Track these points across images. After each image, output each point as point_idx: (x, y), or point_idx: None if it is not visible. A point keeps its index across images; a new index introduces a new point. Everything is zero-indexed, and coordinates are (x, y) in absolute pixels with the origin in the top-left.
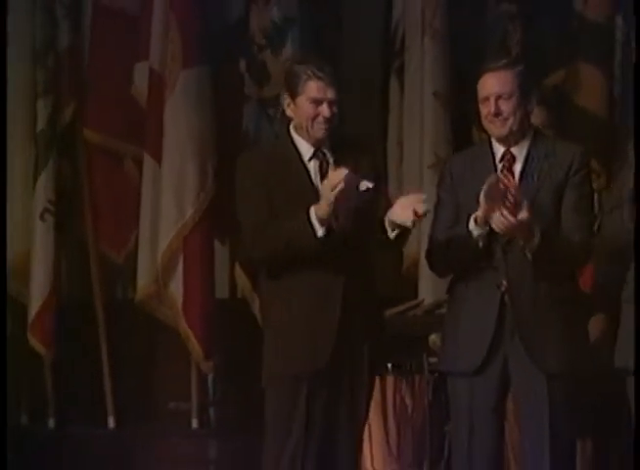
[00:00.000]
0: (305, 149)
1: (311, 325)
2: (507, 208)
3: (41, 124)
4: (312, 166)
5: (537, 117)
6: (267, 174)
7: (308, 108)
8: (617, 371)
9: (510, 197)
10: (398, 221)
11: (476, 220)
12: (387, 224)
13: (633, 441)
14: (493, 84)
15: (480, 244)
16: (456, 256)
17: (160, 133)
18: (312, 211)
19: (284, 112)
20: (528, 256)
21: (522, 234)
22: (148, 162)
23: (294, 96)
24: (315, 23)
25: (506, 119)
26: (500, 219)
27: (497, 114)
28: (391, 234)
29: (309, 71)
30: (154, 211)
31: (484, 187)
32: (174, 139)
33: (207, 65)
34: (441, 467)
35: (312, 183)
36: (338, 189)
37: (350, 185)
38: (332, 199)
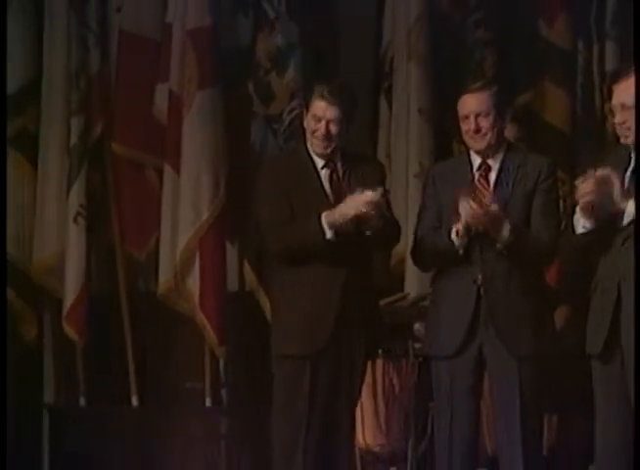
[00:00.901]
0: (318, 159)
1: (313, 312)
2: (477, 201)
3: (74, 139)
4: (324, 174)
5: (511, 131)
6: (286, 179)
7: (310, 123)
8: (585, 355)
9: (484, 202)
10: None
11: (457, 232)
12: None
13: (633, 440)
14: (472, 104)
15: (461, 252)
16: (438, 256)
17: (179, 147)
18: (323, 216)
19: (287, 126)
20: (499, 247)
21: (490, 225)
22: (168, 172)
23: (307, 111)
24: (314, 48)
25: (485, 135)
26: (468, 209)
27: (477, 130)
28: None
29: (318, 91)
30: (173, 215)
31: (460, 194)
32: (191, 152)
33: (220, 86)
34: (426, 441)
35: (323, 189)
36: (360, 210)
37: (374, 210)
38: (351, 214)
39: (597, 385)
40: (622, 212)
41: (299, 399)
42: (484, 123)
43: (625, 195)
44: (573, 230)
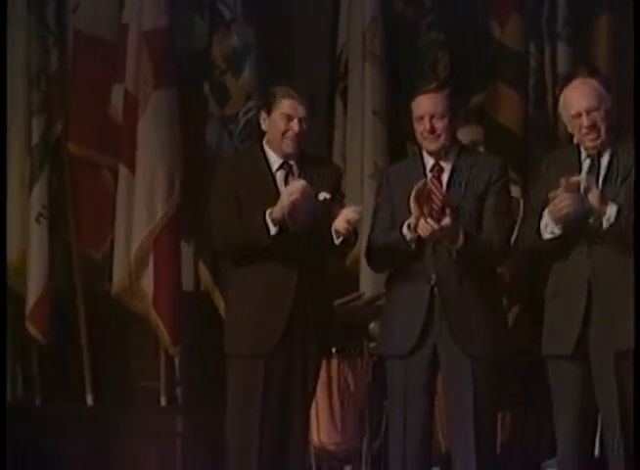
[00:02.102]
0: (274, 160)
1: (266, 311)
2: (431, 215)
3: (36, 139)
4: (279, 176)
5: (475, 134)
6: (238, 180)
7: (280, 124)
8: (536, 353)
9: (436, 203)
10: (341, 230)
11: (409, 226)
12: (333, 232)
13: (633, 439)
14: (427, 105)
15: (412, 246)
16: (391, 255)
17: (134, 147)
18: (268, 212)
19: (243, 127)
20: (453, 254)
21: (446, 238)
22: (123, 172)
23: (269, 112)
24: (270, 49)
25: (439, 136)
26: (425, 226)
27: (432, 131)
28: (337, 241)
29: (284, 91)
30: (128, 215)
31: (413, 191)
32: (146, 152)
33: (175, 87)
34: (380, 439)
35: (277, 190)
36: (293, 197)
37: (306, 195)
38: (286, 204)
39: (558, 385)
40: (600, 216)
41: (253, 398)
42: (439, 124)
43: (603, 199)
44: (540, 235)
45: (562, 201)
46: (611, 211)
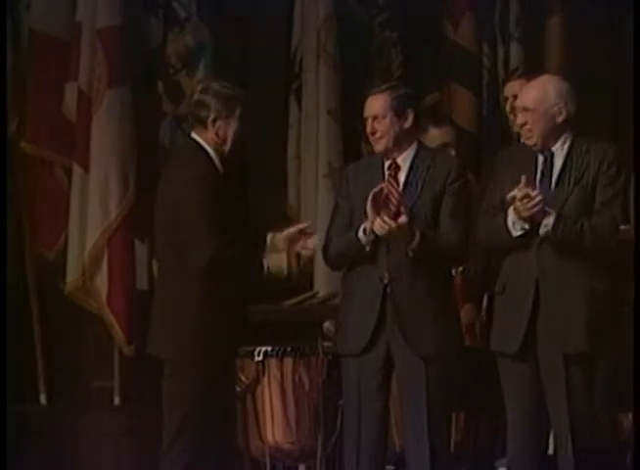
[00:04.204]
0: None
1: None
2: (387, 214)
3: None
4: None
5: (446, 135)
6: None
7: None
8: (489, 352)
9: (392, 202)
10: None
11: (364, 230)
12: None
13: (633, 435)
14: (370, 107)
15: (367, 248)
16: (346, 255)
17: (88, 145)
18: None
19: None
20: (410, 254)
21: (402, 237)
22: (77, 170)
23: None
24: (224, 48)
25: (381, 137)
26: (381, 224)
27: (372, 132)
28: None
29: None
30: (81, 214)
31: (370, 195)
32: (100, 151)
33: (129, 85)
34: (335, 438)
35: None
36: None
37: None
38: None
39: (508, 383)
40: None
41: (184, 400)
42: (379, 126)
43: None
44: (509, 232)
45: (533, 199)
46: (547, 220)
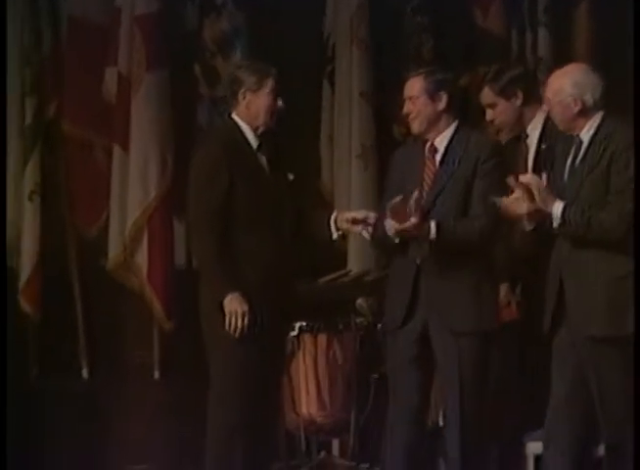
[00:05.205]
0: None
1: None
2: (399, 219)
3: (28, 119)
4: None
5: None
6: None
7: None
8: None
9: (411, 204)
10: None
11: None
12: (332, 225)
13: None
14: (407, 89)
15: (397, 240)
16: (383, 241)
17: (128, 127)
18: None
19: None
20: (425, 247)
21: (417, 234)
22: (117, 151)
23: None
24: (259, 33)
25: (415, 118)
26: (392, 228)
27: (407, 114)
28: (335, 234)
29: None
30: (122, 193)
31: (390, 205)
32: (139, 132)
33: (167, 69)
34: (367, 411)
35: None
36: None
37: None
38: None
39: (556, 362)
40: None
41: (236, 378)
42: (413, 107)
43: (550, 197)
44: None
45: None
46: (556, 212)
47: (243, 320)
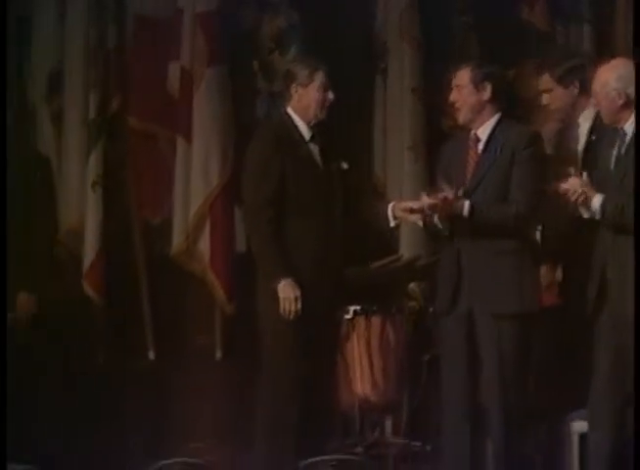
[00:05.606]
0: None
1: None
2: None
3: (92, 113)
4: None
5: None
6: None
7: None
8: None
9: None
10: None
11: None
12: (390, 213)
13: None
14: (454, 80)
15: (447, 233)
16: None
17: (190, 120)
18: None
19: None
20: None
21: (452, 211)
22: (180, 143)
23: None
24: (314, 30)
25: (459, 109)
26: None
27: (452, 103)
28: (392, 223)
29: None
30: (185, 183)
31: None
32: (201, 125)
33: (227, 64)
34: (418, 391)
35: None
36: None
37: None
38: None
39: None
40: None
41: (291, 361)
42: (458, 97)
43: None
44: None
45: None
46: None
47: (295, 305)
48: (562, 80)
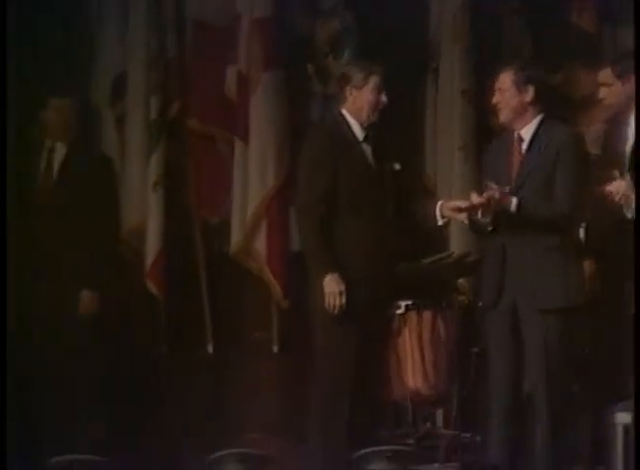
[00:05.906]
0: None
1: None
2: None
3: (153, 115)
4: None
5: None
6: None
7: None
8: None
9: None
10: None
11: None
12: (438, 212)
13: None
14: (498, 82)
15: (490, 229)
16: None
17: (247, 122)
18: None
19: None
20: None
21: (499, 206)
22: (238, 145)
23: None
24: (368, 33)
25: (502, 109)
26: (475, 200)
27: (495, 104)
28: (440, 221)
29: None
30: (243, 184)
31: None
32: (258, 127)
33: (283, 68)
34: (468, 383)
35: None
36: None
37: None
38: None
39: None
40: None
41: (342, 354)
42: (501, 98)
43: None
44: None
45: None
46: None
47: (340, 299)
48: (621, 76)
